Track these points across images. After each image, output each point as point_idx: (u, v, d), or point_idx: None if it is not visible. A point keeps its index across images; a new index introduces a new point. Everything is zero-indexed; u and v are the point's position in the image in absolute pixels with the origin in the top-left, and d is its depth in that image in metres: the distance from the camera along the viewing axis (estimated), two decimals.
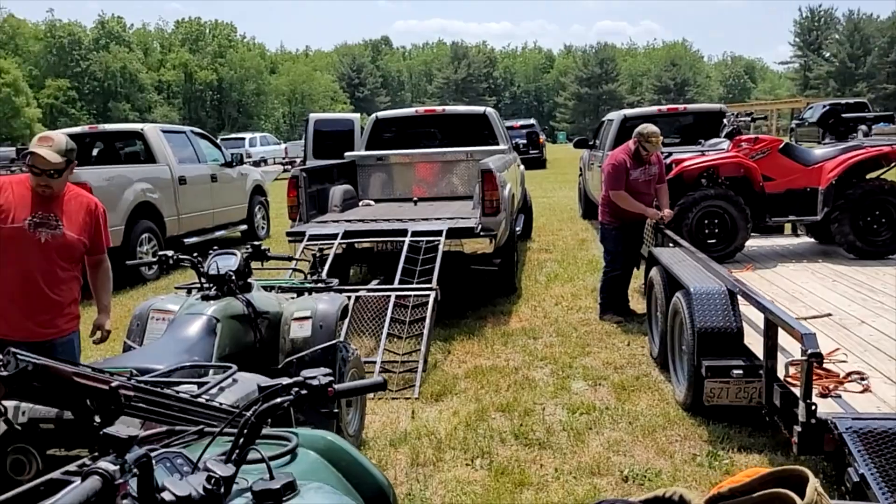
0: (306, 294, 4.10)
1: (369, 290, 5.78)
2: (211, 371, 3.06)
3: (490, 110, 9.28)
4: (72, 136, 10.13)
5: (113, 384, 1.98)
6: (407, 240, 6.26)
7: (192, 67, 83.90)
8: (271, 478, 1.50)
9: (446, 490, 3.57)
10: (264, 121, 78.87)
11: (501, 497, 3.48)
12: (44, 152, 3.24)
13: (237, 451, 1.53)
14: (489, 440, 4.14)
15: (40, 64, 73.08)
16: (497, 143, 8.97)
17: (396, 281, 5.86)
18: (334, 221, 7.13)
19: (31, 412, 2.65)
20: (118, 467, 1.28)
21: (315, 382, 1.63)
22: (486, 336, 6.21)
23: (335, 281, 4.26)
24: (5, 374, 1.84)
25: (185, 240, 10.03)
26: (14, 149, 35.60)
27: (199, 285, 4.24)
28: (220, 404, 2.51)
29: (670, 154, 7.21)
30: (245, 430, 1.55)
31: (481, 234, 6.53)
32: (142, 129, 9.91)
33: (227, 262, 3.72)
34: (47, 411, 2.61)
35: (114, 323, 5.80)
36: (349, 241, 6.50)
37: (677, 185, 6.72)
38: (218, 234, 10.88)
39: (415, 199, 8.39)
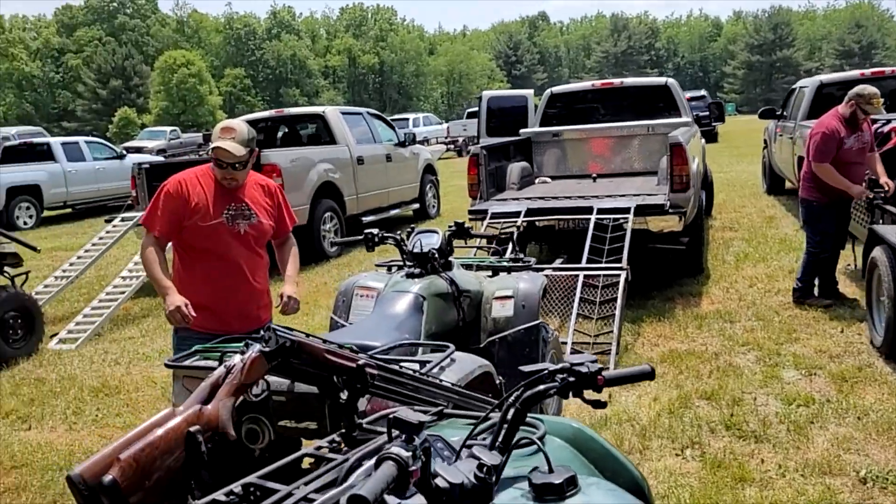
0: (504, 273, 4.02)
1: (556, 269, 5.63)
2: (422, 350, 3.05)
3: (672, 81, 8.80)
4: (259, 121, 10.80)
5: (360, 362, 1.97)
6: (593, 217, 6.05)
7: (355, 52, 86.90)
8: (550, 471, 1.40)
9: (657, 481, 3.38)
10: (423, 101, 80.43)
11: (721, 492, 3.25)
12: (227, 145, 3.14)
13: (502, 438, 1.45)
14: (697, 429, 3.89)
15: (220, 55, 78.34)
16: (679, 115, 8.50)
17: (584, 260, 5.67)
18: (514, 199, 7.03)
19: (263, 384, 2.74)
20: (410, 454, 1.23)
21: (584, 370, 1.51)
22: (677, 318, 5.90)
23: (533, 260, 4.15)
24: (267, 349, 1.86)
25: (363, 218, 10.34)
26: (201, 134, 38.61)
27: (398, 263, 4.29)
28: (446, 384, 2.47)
29: (889, 122, 6.49)
30: (509, 417, 1.47)
31: (670, 211, 6.19)
32: (323, 112, 10.29)
33: (429, 241, 3.71)
34: (279, 384, 2.69)
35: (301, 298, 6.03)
36: (532, 218, 6.38)
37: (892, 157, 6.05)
38: (392, 212, 11.14)
39: (593, 175, 8.13)
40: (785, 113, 11.47)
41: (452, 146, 26.98)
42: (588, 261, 5.68)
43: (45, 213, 15.96)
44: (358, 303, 3.94)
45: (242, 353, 1.96)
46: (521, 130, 8.88)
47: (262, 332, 1.86)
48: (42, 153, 16.11)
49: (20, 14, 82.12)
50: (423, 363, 2.65)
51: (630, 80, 9.10)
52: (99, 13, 73.38)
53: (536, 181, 8.24)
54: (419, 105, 74.31)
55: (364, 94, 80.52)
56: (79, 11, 72.88)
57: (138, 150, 26.56)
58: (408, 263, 3.79)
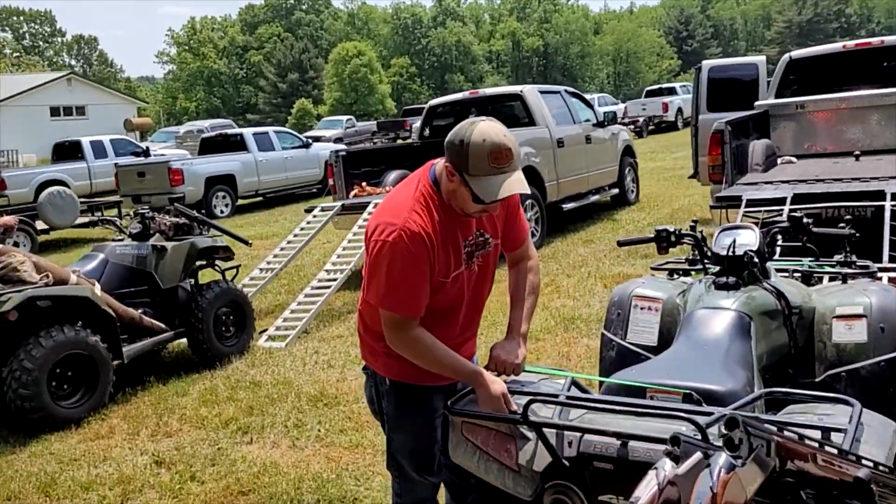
0: (839, 281, 3.07)
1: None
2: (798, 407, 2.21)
3: None
4: (453, 103, 10.22)
5: (860, 474, 1.18)
6: (888, 204, 4.89)
7: (519, 35, 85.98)
8: None
9: None
10: (589, 83, 78.18)
11: None
12: (515, 183, 2.15)
13: None
14: None
15: (388, 45, 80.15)
16: None
17: (885, 259, 4.55)
18: (768, 182, 5.96)
19: (584, 444, 2.02)
20: None
21: None
22: None
23: (873, 265, 3.16)
24: (738, 461, 1.11)
25: (563, 206, 9.55)
26: (375, 122, 39.37)
27: (678, 266, 3.44)
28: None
29: None
30: None
31: None
32: (521, 91, 9.57)
33: (744, 239, 2.84)
34: (606, 446, 1.97)
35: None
36: (801, 206, 5.29)
37: None
38: (592, 198, 10.26)
39: (856, 153, 6.83)
40: None
41: (632, 126, 25.51)
42: (890, 259, 4.55)
43: (240, 202, 16.47)
44: (637, 316, 3.15)
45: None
46: (757, 102, 7.69)
47: (721, 425, 1.14)
48: (235, 144, 16.62)
49: (209, 15, 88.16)
50: (825, 431, 1.81)
51: (891, 39, 7.62)
52: (278, 10, 77.25)
53: (780, 161, 7.06)
54: (585, 87, 72.22)
55: (528, 78, 79.52)
56: (260, 10, 77.11)
57: (317, 139, 27.26)
58: (709, 268, 2.95)
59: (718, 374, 2.26)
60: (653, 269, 3.39)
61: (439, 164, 2.26)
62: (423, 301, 2.21)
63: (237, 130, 18.36)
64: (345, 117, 38.96)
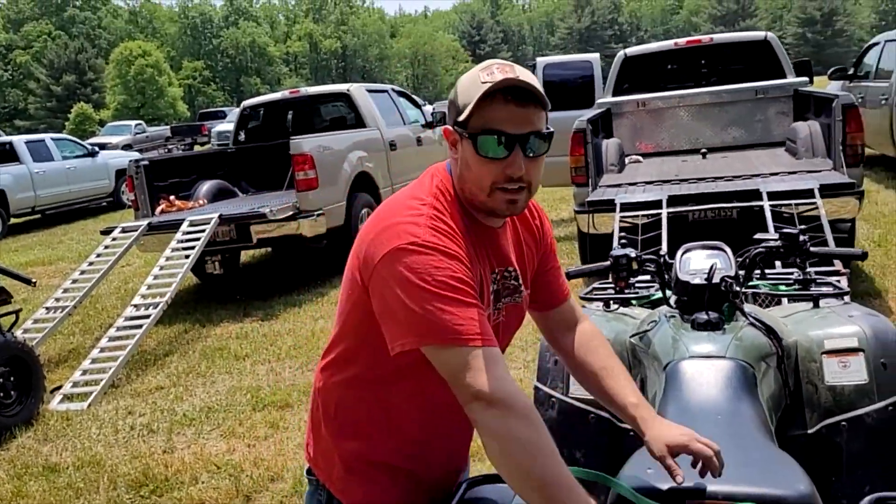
0: (805, 304, 2.59)
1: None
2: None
3: (772, 35, 7.42)
4: (270, 104, 9.18)
5: None
6: (766, 204, 4.65)
7: (316, 37, 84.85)
8: None
9: None
10: (388, 85, 78.51)
11: None
12: (531, 114, 1.37)
13: None
14: None
15: (176, 45, 75.60)
16: (785, 76, 7.15)
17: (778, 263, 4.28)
18: (630, 184, 5.63)
19: None
20: None
21: None
22: None
23: (843, 281, 2.72)
24: None
25: None
26: (168, 127, 36.48)
27: (609, 295, 2.83)
28: None
29: None
30: None
31: (852, 192, 4.84)
32: (348, 90, 8.74)
33: (718, 263, 2.26)
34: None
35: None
36: (677, 209, 4.97)
37: None
38: None
39: (703, 150, 6.74)
40: (857, 71, 10.24)
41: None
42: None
43: (12, 221, 14.14)
44: None
45: None
46: (600, 100, 7.44)
47: None
48: (4, 154, 14.23)
49: None
50: None
51: (722, 37, 7.70)
52: (47, 6, 70.05)
53: (627, 161, 6.83)
54: None
55: (328, 80, 78.54)
56: (25, 5, 69.40)
57: (102, 146, 24.58)
58: (672, 298, 2.36)
59: (772, 468, 1.62)
60: (582, 298, 2.74)
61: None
62: (485, 323, 1.32)
63: (5, 138, 15.82)
64: (133, 122, 35.65)
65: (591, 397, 2.45)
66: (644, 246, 4.55)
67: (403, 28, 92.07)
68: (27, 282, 5.10)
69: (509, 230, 1.57)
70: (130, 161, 7.65)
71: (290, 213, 6.92)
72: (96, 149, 16.45)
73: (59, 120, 54.28)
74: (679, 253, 2.36)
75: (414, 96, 10.70)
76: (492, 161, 1.35)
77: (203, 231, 6.49)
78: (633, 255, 2.36)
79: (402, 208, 1.38)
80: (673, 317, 2.23)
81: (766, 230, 4.97)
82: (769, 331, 2.20)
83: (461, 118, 1.36)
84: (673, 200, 4.94)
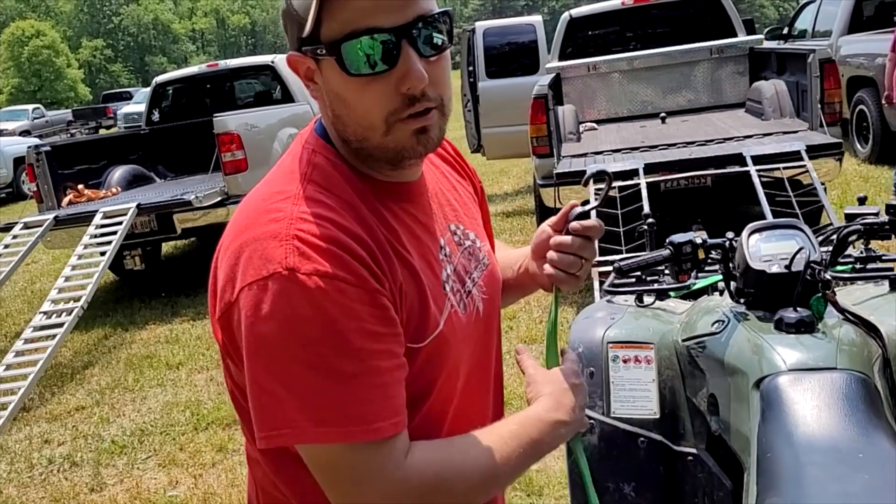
0: (867, 284, 2.18)
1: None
2: None
3: None
4: (187, 79, 8.37)
5: None
6: (752, 169, 4.29)
7: (223, 13, 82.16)
8: None
9: None
10: None
11: None
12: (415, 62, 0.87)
13: None
14: None
15: (73, 24, 71.72)
16: (736, 35, 6.88)
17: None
18: (595, 153, 5.21)
19: None
20: None
21: None
22: None
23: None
24: None
25: None
26: (70, 111, 34.31)
27: (636, 287, 2.37)
28: None
29: None
30: None
31: (836, 153, 4.55)
32: (272, 62, 8.00)
33: (799, 249, 1.81)
34: None
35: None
36: (654, 178, 4.58)
37: None
38: None
39: (662, 114, 6.39)
40: (793, 32, 10.14)
41: None
42: None
43: None
44: (622, 375, 2.03)
45: None
46: (548, 65, 7.00)
47: None
48: None
49: None
50: None
51: None
52: None
53: (581, 129, 6.42)
54: None
55: (238, 57, 76.09)
56: None
57: None
58: (743, 291, 1.90)
59: None
60: (607, 290, 2.26)
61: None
62: (400, 392, 0.88)
63: None
64: (30, 106, 33.35)
65: (639, 416, 2.01)
66: (625, 220, 4.14)
67: None
68: None
69: (427, 176, 1.07)
70: (29, 147, 6.79)
71: (218, 198, 6.24)
72: None
73: None
74: (745, 234, 1.90)
75: None
76: (373, 79, 0.87)
77: (120, 223, 5.75)
78: (699, 241, 1.90)
79: (258, 213, 0.90)
80: (744, 315, 1.78)
81: (746, 198, 4.65)
82: (869, 327, 1.77)
83: (306, 32, 0.87)
84: (649, 168, 4.54)
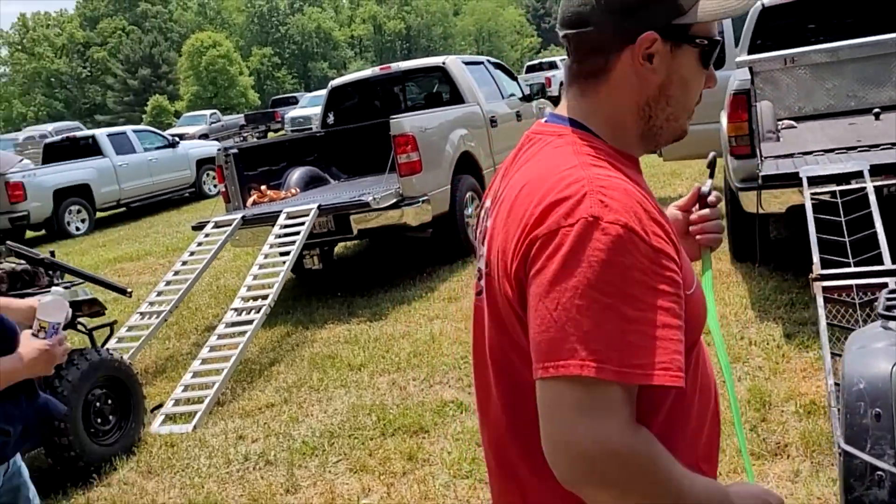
0: None
1: None
2: None
3: None
4: (360, 82, 8.50)
5: None
6: None
7: (380, 19, 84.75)
8: None
9: None
10: None
11: None
12: None
13: None
14: None
15: (245, 35, 76.48)
16: None
17: None
18: (804, 154, 4.73)
19: None
20: None
21: None
22: None
23: None
24: None
25: None
26: (242, 115, 36.57)
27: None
28: None
29: None
30: None
31: None
32: (444, 63, 8.00)
33: None
34: None
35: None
36: (882, 181, 4.07)
37: None
38: None
39: (875, 110, 5.75)
40: None
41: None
42: None
43: (98, 215, 14.02)
44: None
45: None
46: (738, 59, 6.50)
47: None
48: (87, 148, 14.08)
49: (42, 11, 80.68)
50: None
51: None
52: (120, 3, 71.56)
53: (780, 127, 5.89)
54: None
55: (392, 62, 78.17)
56: (100, 3, 71.09)
57: (181, 136, 24.71)
58: None
59: None
60: (886, 315, 1.93)
61: (567, 110, 1.13)
62: (680, 349, 0.94)
63: (88, 132, 15.74)
64: (208, 112, 35.89)
65: None
66: (850, 229, 3.69)
67: (466, 5, 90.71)
68: (122, 292, 4.57)
69: None
70: (219, 150, 7.13)
71: (393, 200, 6.27)
72: (176, 139, 16.25)
73: (137, 113, 55.54)
74: None
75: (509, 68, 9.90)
76: (704, 76, 1.13)
77: (302, 224, 5.90)
78: None
79: (553, 182, 0.99)
80: None
81: None
82: None
83: (684, 18, 1.05)
84: (876, 170, 4.04)
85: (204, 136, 27.46)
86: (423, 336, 5.11)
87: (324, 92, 29.74)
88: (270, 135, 32.47)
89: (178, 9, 76.30)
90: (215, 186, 16.12)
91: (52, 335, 1.93)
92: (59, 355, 1.95)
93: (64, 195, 12.98)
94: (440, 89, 8.46)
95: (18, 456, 2.09)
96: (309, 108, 29.51)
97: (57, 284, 3.98)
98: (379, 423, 3.89)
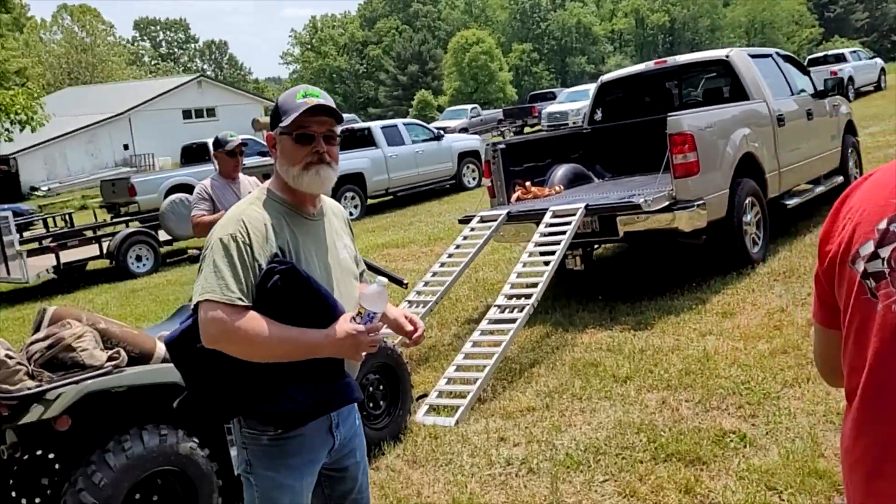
0: None
1: None
2: None
3: None
4: (632, 77, 8.06)
5: None
6: None
7: (643, 12, 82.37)
8: None
9: None
10: None
11: None
12: None
13: None
14: None
15: (506, 31, 78.28)
16: None
17: None
18: None
19: None
20: None
21: None
22: None
23: None
24: None
25: (787, 202, 7.36)
26: (500, 110, 37.44)
27: None
28: None
29: None
30: None
31: None
32: (727, 56, 7.39)
33: None
34: None
35: None
36: None
37: None
38: (818, 190, 7.95)
39: None
40: None
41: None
42: None
43: (369, 202, 15.06)
44: None
45: None
46: None
47: None
48: (363, 139, 15.21)
49: (329, 13, 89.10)
50: None
51: None
52: (395, 3, 76.77)
53: None
54: None
55: (653, 56, 75.89)
56: (378, 4, 76.85)
57: (443, 130, 25.86)
58: None
59: None
60: None
61: None
62: None
63: (364, 125, 16.96)
64: (469, 106, 37.29)
65: None
66: None
67: None
68: (399, 283, 4.73)
69: None
70: (488, 145, 7.20)
71: (665, 203, 5.88)
72: (441, 132, 16.94)
73: (404, 107, 59.31)
74: None
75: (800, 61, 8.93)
76: None
77: (568, 224, 5.74)
78: None
79: None
80: None
81: None
82: None
83: None
84: None
85: (464, 130, 28.49)
86: (695, 353, 4.71)
87: (582, 87, 29.74)
88: (527, 130, 32.91)
89: (446, 7, 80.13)
90: (474, 179, 16.62)
91: (366, 322, 1.95)
92: (367, 343, 1.96)
93: (341, 182, 14.07)
94: (720, 84, 7.84)
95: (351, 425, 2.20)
96: (567, 103, 29.40)
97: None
98: (649, 446, 3.61)
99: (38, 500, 3.44)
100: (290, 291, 1.93)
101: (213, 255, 1.93)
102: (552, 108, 29.89)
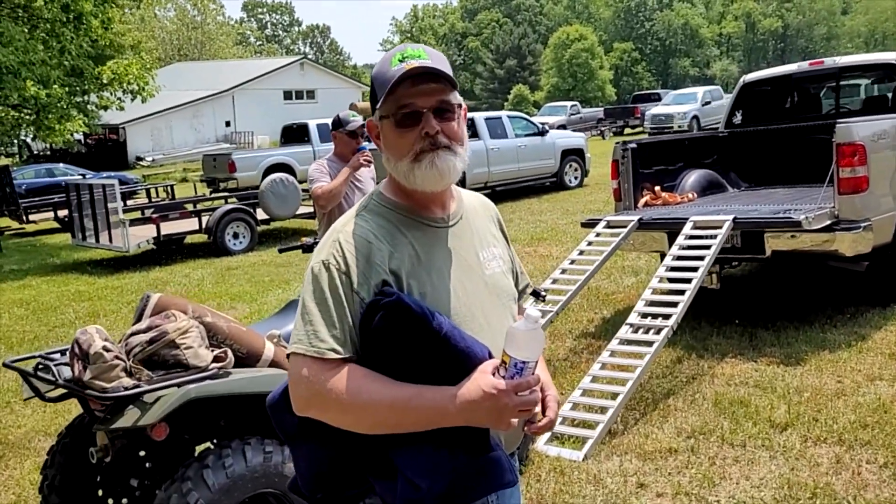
0: None
1: None
2: None
3: None
4: (780, 79, 6.94)
5: None
6: None
7: (755, 16, 79.16)
8: None
9: None
10: None
11: None
12: None
13: None
14: None
15: (609, 29, 76.54)
16: None
17: None
18: None
19: None
20: None
21: None
22: None
23: None
24: None
25: None
26: (602, 109, 36.40)
27: None
28: None
29: None
30: None
31: None
32: (894, 60, 6.53)
33: None
34: None
35: None
36: None
37: None
38: None
39: None
40: None
41: None
42: None
43: None
44: None
45: None
46: None
47: None
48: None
49: (431, 3, 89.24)
50: None
51: None
52: None
53: None
54: None
55: (762, 63, 73.01)
56: None
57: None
58: None
59: None
60: None
61: None
62: None
63: (469, 115, 16.48)
64: (569, 103, 36.39)
65: None
66: None
67: (859, 3, 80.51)
68: (536, 295, 4.21)
69: None
70: (617, 144, 6.58)
71: (827, 221, 5.15)
72: (546, 128, 16.31)
73: (499, 100, 58.66)
74: None
75: None
76: None
77: (714, 237, 5.09)
78: None
79: None
80: None
81: None
82: None
83: None
84: None
85: (562, 127, 27.65)
86: (868, 401, 4.01)
87: (689, 90, 28.48)
88: (627, 131, 31.85)
89: (548, 2, 78.98)
90: (576, 178, 15.94)
91: (513, 376, 1.36)
92: (515, 407, 1.35)
93: None
94: (885, 91, 6.97)
95: None
96: (672, 105, 28.22)
97: None
98: None
99: (125, 501, 3.12)
100: (399, 333, 1.40)
101: (303, 292, 1.44)
102: (657, 109, 28.73)
